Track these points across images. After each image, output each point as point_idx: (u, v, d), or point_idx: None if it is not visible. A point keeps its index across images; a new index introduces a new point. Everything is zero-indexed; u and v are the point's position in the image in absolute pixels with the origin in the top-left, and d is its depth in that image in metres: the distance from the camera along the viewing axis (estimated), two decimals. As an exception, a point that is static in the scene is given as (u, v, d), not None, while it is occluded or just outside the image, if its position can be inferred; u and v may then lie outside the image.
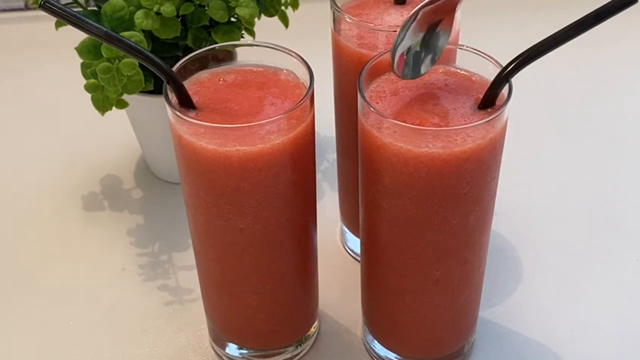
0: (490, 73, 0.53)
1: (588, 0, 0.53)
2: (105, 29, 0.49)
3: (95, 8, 0.73)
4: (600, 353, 0.64)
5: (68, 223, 0.78)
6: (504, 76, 0.50)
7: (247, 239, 0.55)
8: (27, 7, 1.10)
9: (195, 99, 0.53)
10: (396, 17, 0.62)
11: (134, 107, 0.73)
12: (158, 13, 0.67)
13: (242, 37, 0.73)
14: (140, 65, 0.66)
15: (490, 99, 0.51)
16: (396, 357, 0.63)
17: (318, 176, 0.81)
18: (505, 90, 0.51)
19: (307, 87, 0.53)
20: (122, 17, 0.67)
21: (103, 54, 0.66)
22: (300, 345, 0.64)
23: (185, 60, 0.55)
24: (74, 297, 0.70)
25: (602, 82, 0.96)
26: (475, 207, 0.53)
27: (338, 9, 0.61)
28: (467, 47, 0.55)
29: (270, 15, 0.76)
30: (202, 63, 0.56)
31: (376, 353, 0.64)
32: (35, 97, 0.96)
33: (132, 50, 0.50)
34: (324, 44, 0.69)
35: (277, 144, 0.51)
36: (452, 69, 0.56)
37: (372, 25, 0.61)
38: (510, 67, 0.49)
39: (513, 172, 0.71)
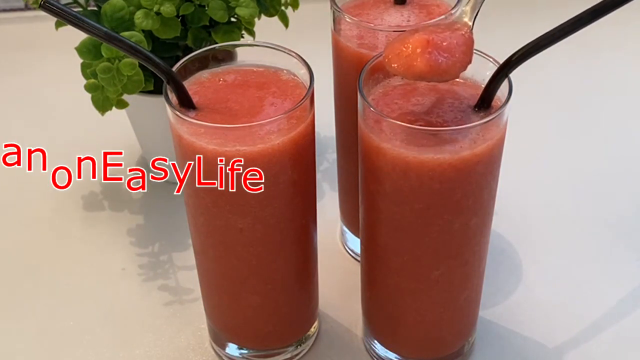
0: (490, 73, 0.53)
1: (590, 1, 0.53)
2: (105, 29, 0.49)
3: (95, 8, 0.73)
4: (600, 353, 0.64)
5: (68, 223, 0.78)
6: (502, 72, 0.50)
7: (247, 239, 0.55)
8: (27, 7, 1.10)
9: (195, 99, 0.53)
10: (396, 17, 0.62)
11: (134, 107, 0.73)
12: (158, 13, 0.67)
13: (242, 37, 0.73)
14: (140, 65, 0.66)
15: (489, 95, 0.51)
16: (396, 357, 0.63)
17: (318, 176, 0.81)
18: (505, 90, 0.51)
19: (307, 87, 0.53)
20: (122, 17, 0.67)
21: (103, 54, 0.66)
22: (300, 345, 0.64)
23: (185, 60, 0.55)
24: (74, 297, 0.70)
25: (603, 82, 0.96)
26: (476, 207, 0.53)
27: (338, 9, 0.61)
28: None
29: (270, 15, 0.76)
30: (202, 63, 0.56)
31: (376, 353, 0.64)
32: (35, 97, 0.96)
33: (132, 50, 0.50)
34: (324, 44, 0.69)
35: (277, 144, 0.51)
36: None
37: (372, 25, 0.61)
38: (508, 62, 0.49)
39: (513, 172, 0.71)
